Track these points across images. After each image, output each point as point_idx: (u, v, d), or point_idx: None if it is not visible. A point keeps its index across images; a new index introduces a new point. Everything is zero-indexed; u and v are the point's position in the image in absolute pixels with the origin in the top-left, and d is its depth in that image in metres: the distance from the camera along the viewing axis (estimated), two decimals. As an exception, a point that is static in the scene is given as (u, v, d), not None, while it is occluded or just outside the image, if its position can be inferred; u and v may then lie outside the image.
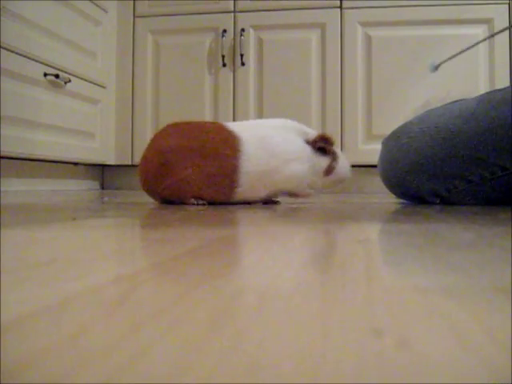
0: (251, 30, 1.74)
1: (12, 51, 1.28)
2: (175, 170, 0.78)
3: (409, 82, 1.66)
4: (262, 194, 0.82)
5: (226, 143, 0.79)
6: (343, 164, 0.87)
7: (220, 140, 0.79)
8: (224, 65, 1.73)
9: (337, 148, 0.87)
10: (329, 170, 0.85)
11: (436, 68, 0.89)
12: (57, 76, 1.43)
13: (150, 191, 0.83)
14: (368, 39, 1.68)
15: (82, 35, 1.60)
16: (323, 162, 0.84)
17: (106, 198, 1.10)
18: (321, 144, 0.84)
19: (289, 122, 0.86)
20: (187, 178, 0.78)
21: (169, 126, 0.84)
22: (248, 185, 0.79)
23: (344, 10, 1.69)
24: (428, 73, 1.65)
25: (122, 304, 0.17)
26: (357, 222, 0.56)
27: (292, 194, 0.85)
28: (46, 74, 1.40)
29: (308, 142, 0.84)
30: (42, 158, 1.42)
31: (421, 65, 1.65)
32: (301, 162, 0.82)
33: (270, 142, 0.80)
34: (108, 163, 1.78)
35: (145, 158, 0.82)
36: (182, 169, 0.78)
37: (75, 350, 0.12)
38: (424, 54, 1.65)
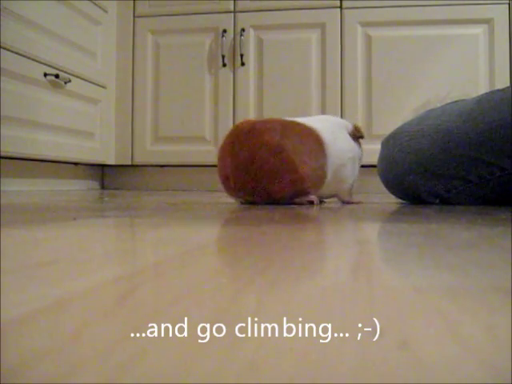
0: (251, 30, 1.73)
1: (12, 51, 1.28)
2: (293, 166, 0.74)
3: (409, 81, 1.66)
4: (326, 193, 0.83)
5: (319, 146, 0.78)
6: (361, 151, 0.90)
7: (313, 142, 0.78)
8: (224, 65, 1.73)
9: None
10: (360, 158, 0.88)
11: None
12: (57, 76, 1.43)
13: (258, 189, 0.76)
14: (368, 39, 1.68)
15: (82, 35, 1.60)
16: (360, 150, 0.87)
17: (106, 198, 1.10)
18: (359, 134, 0.86)
19: (335, 119, 0.88)
20: (304, 174, 0.75)
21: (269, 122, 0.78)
22: (325, 185, 0.80)
23: (344, 10, 1.69)
24: (428, 73, 1.65)
25: (122, 304, 0.17)
26: (357, 222, 0.56)
27: (339, 196, 0.87)
28: (46, 74, 1.40)
29: (350, 135, 0.85)
30: (42, 158, 1.42)
31: (421, 65, 1.65)
32: (353, 162, 0.84)
33: (338, 143, 0.81)
34: (108, 163, 1.78)
35: (253, 154, 0.75)
36: (300, 166, 0.75)
37: (75, 350, 0.12)
38: (424, 54, 1.65)
